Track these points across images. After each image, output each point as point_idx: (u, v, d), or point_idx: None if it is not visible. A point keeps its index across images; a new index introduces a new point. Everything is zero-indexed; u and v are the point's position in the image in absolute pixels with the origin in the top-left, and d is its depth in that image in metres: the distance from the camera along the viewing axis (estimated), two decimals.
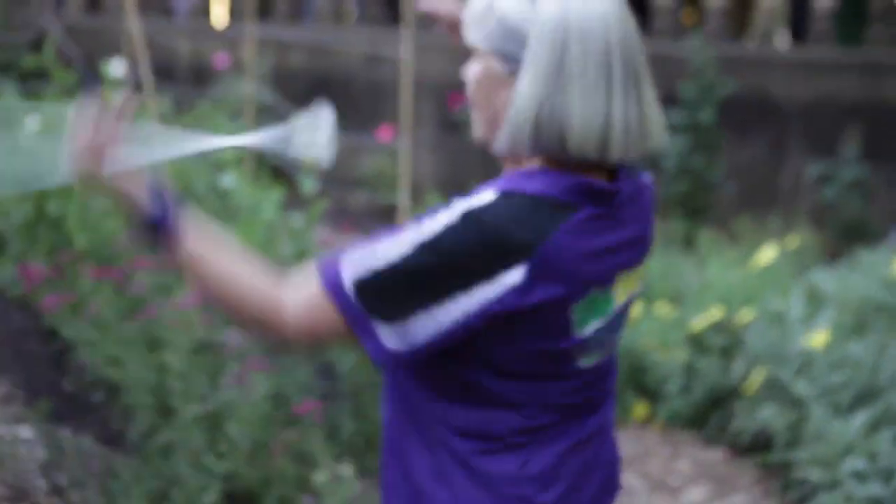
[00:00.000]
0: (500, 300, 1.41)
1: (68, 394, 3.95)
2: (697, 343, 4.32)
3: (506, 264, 1.40)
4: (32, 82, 7.08)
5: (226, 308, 1.53)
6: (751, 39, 7.55)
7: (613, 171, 1.50)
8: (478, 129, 1.57)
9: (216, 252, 1.50)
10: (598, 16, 1.43)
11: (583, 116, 1.41)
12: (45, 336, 4.39)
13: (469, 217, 1.42)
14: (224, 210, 4.87)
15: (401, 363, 1.49)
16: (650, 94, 1.48)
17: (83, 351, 3.75)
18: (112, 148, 1.56)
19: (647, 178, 1.59)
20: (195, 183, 4.92)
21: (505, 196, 1.43)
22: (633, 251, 1.51)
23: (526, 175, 1.46)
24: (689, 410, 4.18)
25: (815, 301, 4.35)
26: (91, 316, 3.63)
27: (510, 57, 1.48)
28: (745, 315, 4.24)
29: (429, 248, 1.42)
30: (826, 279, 4.51)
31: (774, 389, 3.91)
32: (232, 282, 1.49)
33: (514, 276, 1.40)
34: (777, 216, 6.07)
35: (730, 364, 4.13)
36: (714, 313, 4.30)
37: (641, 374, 4.33)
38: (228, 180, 4.97)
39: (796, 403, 3.83)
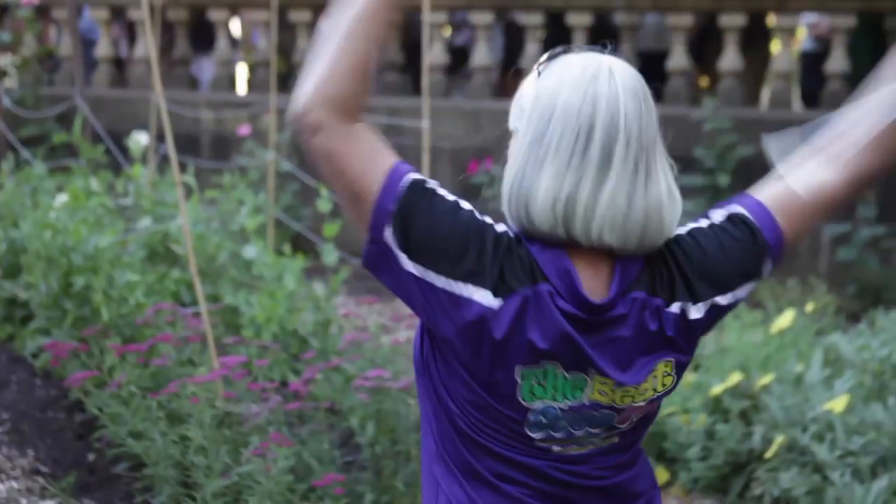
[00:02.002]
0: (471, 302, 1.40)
1: (92, 466, 3.97)
2: (717, 407, 4.30)
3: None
4: (61, 157, 7.21)
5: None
6: (765, 102, 7.61)
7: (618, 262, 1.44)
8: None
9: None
10: (590, 95, 1.40)
11: (545, 190, 1.40)
12: (70, 408, 4.42)
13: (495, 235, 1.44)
14: (247, 279, 4.92)
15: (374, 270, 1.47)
16: (656, 182, 1.43)
17: (107, 424, 3.77)
18: None
19: (660, 302, 1.46)
20: (218, 253, 4.97)
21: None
22: (611, 357, 1.43)
23: None
24: (709, 475, 4.15)
25: (835, 364, 4.33)
26: (115, 390, 3.66)
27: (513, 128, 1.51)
28: (764, 379, 4.22)
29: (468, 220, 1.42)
30: (845, 342, 4.49)
31: (795, 454, 3.87)
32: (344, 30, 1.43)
33: (488, 297, 1.39)
34: (795, 278, 6.05)
35: (749, 428, 4.10)
36: (733, 378, 4.28)
37: (662, 440, 4.30)
38: (251, 250, 5.02)
39: (817, 468, 3.79)
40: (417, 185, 1.42)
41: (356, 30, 1.41)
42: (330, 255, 4.95)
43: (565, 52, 1.49)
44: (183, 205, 3.96)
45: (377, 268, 1.45)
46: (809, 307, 5.09)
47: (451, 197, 1.44)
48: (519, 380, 1.43)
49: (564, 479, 1.50)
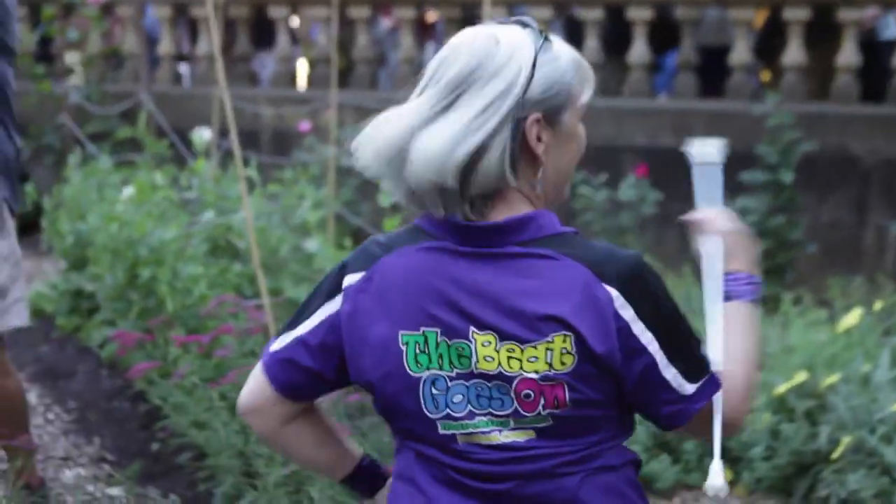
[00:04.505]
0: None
1: (156, 455, 4.02)
2: (781, 407, 4.21)
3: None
4: (126, 151, 7.32)
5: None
6: (829, 97, 7.46)
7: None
8: None
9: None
10: (451, 45, 1.43)
11: (380, 138, 1.44)
12: (135, 398, 4.48)
13: None
14: (308, 273, 4.94)
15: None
16: (456, 125, 1.37)
17: (171, 413, 3.81)
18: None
19: (557, 254, 1.41)
20: (279, 246, 5.00)
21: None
22: (493, 311, 1.40)
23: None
24: (773, 476, 4.07)
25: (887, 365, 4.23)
26: (178, 380, 3.69)
27: None
28: (831, 378, 4.13)
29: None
30: None
31: (862, 455, 3.78)
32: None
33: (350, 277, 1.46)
34: (862, 276, 5.93)
35: (815, 428, 4.02)
36: (798, 377, 4.19)
37: (725, 439, 4.24)
38: (312, 244, 5.04)
39: (885, 470, 3.71)
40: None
41: None
42: None
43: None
44: (246, 199, 3.98)
45: None
46: (877, 305, 4.97)
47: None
48: (402, 346, 1.44)
49: (469, 484, 1.46)
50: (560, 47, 1.46)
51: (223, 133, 5.46)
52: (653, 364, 1.42)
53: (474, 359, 1.41)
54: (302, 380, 1.53)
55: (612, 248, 1.45)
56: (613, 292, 1.39)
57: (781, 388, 4.15)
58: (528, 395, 1.41)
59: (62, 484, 3.80)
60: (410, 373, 1.44)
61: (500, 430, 1.43)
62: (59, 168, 7.63)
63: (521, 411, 1.41)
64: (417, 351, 1.43)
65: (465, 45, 1.42)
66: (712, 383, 1.48)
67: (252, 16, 9.40)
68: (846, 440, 3.77)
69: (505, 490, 1.45)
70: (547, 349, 1.38)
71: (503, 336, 1.39)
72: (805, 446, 4.00)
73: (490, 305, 1.40)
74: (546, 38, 1.44)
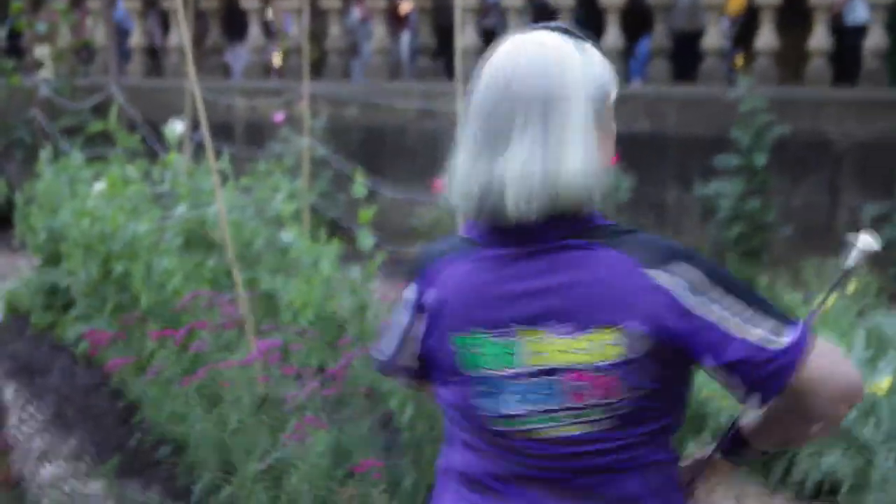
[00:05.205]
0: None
1: (135, 450, 3.99)
2: None
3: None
4: (98, 146, 7.25)
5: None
6: (802, 81, 7.49)
7: (535, 229, 1.42)
8: None
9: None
10: (511, 63, 1.41)
11: (460, 176, 1.44)
12: (112, 393, 4.45)
13: None
14: (283, 265, 4.91)
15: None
16: (573, 146, 1.39)
17: (148, 408, 3.79)
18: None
19: (599, 246, 1.44)
20: (254, 239, 4.97)
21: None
22: (538, 307, 1.43)
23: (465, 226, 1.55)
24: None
25: (878, 345, 4.26)
26: (154, 376, 3.67)
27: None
28: None
29: None
30: (888, 322, 4.42)
31: (839, 435, 3.82)
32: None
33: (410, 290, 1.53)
34: (836, 258, 5.96)
35: None
36: None
37: (703, 421, 4.26)
38: (287, 236, 5.02)
39: (861, 450, 3.74)
40: None
41: None
42: (365, 240, 4.93)
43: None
44: (219, 192, 3.96)
45: None
46: (851, 287, 5.01)
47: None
48: (454, 347, 1.47)
49: (528, 477, 1.47)
50: (591, 50, 1.48)
51: (196, 126, 5.42)
52: (725, 333, 1.38)
53: (524, 355, 1.42)
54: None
55: (654, 238, 1.45)
56: (663, 275, 1.39)
57: None
58: (580, 388, 1.41)
59: (39, 483, 3.78)
60: (464, 373, 1.46)
61: (555, 425, 1.43)
62: (30, 163, 7.56)
63: (574, 404, 1.42)
64: (469, 352, 1.45)
65: (528, 64, 1.41)
66: (804, 331, 1.41)
67: (223, 7, 9.34)
68: None
69: (561, 482, 1.46)
70: (596, 340, 1.39)
71: (552, 330, 1.41)
72: None
73: (538, 300, 1.42)
74: (583, 41, 1.46)
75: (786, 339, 1.39)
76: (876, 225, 6.31)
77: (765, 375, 1.39)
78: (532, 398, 1.43)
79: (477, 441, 1.51)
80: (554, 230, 1.42)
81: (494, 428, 1.46)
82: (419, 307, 1.52)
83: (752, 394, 1.41)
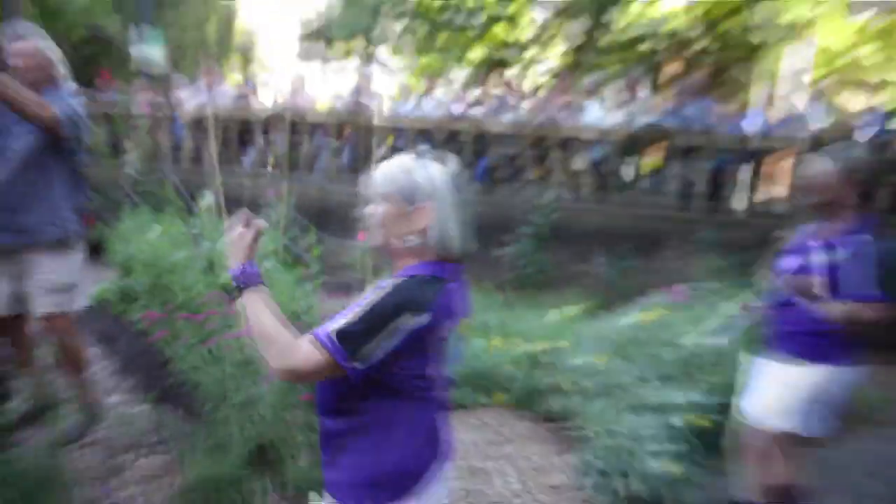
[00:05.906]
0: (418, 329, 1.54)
1: (168, 387, 3.96)
2: (533, 360, 4.42)
3: (417, 312, 1.53)
4: (159, 205, 7.12)
5: (260, 342, 1.60)
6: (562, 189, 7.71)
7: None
8: (376, 241, 1.71)
9: (265, 311, 1.58)
10: (447, 179, 1.60)
11: (455, 230, 1.59)
12: (156, 354, 4.39)
13: (397, 288, 1.56)
14: (266, 282, 4.90)
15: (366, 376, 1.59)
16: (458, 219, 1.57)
17: (177, 362, 3.75)
18: (248, 242, 1.56)
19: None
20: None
21: (414, 277, 1.61)
22: (462, 310, 1.61)
23: (422, 266, 1.61)
24: (523, 396, 4.28)
25: (588, 338, 4.46)
26: (183, 342, 3.64)
27: (410, 200, 1.64)
28: (562, 344, 4.36)
29: (375, 307, 1.55)
30: (598, 325, 4.62)
31: (579, 385, 3.96)
32: (268, 329, 1.59)
33: (424, 317, 1.53)
34: (576, 288, 6.24)
35: (550, 373, 4.24)
36: (541, 344, 4.41)
37: (499, 377, 4.38)
38: (269, 263, 5.05)
39: (582, 394, 3.93)
40: (337, 331, 1.63)
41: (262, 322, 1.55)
42: (314, 268, 4.98)
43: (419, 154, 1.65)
44: (226, 235, 3.97)
45: None
46: (587, 305, 5.23)
47: (352, 315, 1.62)
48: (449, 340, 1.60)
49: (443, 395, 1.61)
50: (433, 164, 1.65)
51: (217, 195, 5.42)
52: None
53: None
54: None
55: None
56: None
57: (533, 350, 4.36)
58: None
59: (107, 405, 3.73)
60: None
61: None
62: (117, 213, 7.37)
63: None
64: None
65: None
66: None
67: (241, 128, 9.28)
68: (566, 378, 3.97)
69: None
70: None
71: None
72: (543, 380, 4.21)
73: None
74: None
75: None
76: (600, 268, 6.55)
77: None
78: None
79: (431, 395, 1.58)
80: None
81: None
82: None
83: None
